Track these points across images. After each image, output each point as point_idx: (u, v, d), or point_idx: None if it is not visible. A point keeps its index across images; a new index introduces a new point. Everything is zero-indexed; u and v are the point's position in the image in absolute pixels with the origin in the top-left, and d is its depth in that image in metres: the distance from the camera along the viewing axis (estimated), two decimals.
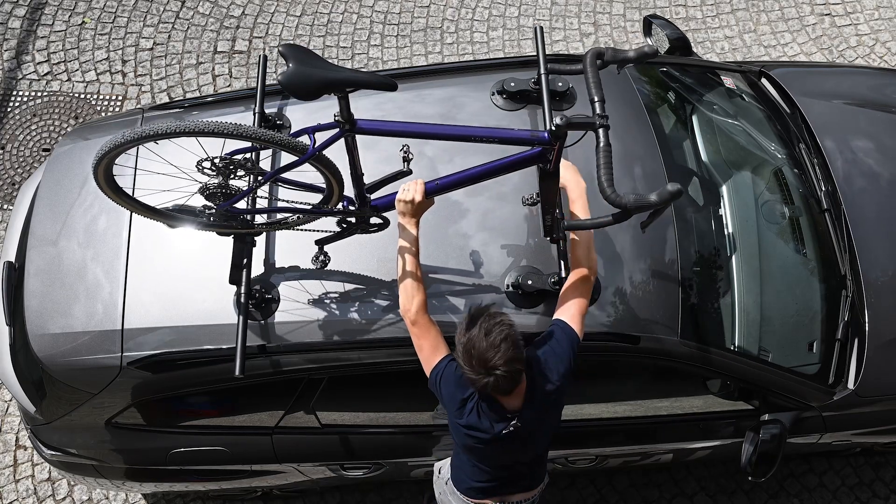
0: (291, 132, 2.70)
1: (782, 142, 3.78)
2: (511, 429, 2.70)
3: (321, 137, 2.54)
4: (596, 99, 2.52)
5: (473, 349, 2.52)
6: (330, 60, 4.78)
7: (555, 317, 2.82)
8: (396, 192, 2.80)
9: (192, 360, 3.02)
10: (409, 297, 2.76)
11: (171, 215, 2.78)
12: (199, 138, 2.77)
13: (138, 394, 3.11)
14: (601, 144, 2.43)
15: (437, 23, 5.37)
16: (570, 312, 2.80)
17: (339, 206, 2.80)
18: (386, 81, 2.46)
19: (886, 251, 3.62)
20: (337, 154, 2.68)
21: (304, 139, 2.55)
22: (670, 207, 3.24)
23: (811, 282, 3.51)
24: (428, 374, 2.80)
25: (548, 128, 2.70)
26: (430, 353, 2.78)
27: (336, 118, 2.51)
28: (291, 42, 2.84)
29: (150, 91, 5.13)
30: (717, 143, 3.63)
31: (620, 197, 2.39)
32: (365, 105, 3.28)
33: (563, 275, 2.92)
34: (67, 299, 3.09)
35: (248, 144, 2.75)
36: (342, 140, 2.61)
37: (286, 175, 2.79)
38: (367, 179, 2.83)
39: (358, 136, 2.62)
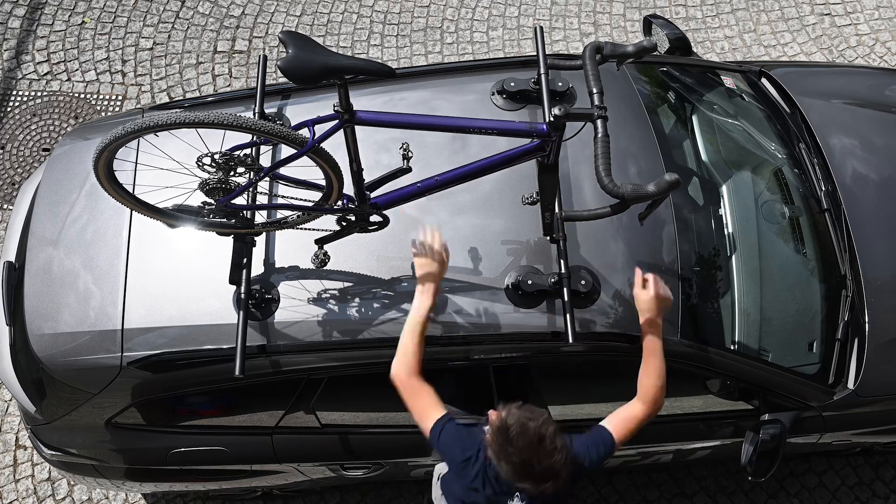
0: (291, 126, 2.71)
1: (782, 142, 3.78)
2: None
3: (321, 130, 2.55)
4: (594, 91, 2.53)
5: (534, 462, 2.37)
6: None
7: (605, 423, 2.71)
8: (396, 190, 2.80)
9: (192, 360, 3.02)
10: (402, 360, 2.70)
11: (172, 214, 2.78)
12: (199, 132, 2.78)
13: (138, 394, 3.11)
14: (599, 135, 2.44)
15: (437, 23, 5.37)
16: (620, 429, 2.69)
17: (339, 203, 2.80)
18: (384, 69, 2.47)
19: (886, 251, 3.62)
20: (337, 153, 2.68)
21: (304, 132, 2.55)
22: (670, 208, 3.24)
23: (811, 282, 3.51)
24: (425, 432, 2.69)
25: (547, 119, 2.71)
26: (422, 413, 2.68)
27: (335, 108, 2.51)
28: (291, 30, 2.85)
29: (150, 91, 5.13)
30: (717, 143, 3.63)
31: (618, 187, 2.39)
32: (364, 106, 3.28)
33: (563, 272, 2.92)
34: (67, 299, 3.09)
35: (248, 140, 2.75)
36: (342, 138, 2.61)
37: (286, 173, 2.79)
38: (367, 178, 2.83)
39: (358, 137, 2.62)
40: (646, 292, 2.76)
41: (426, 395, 2.69)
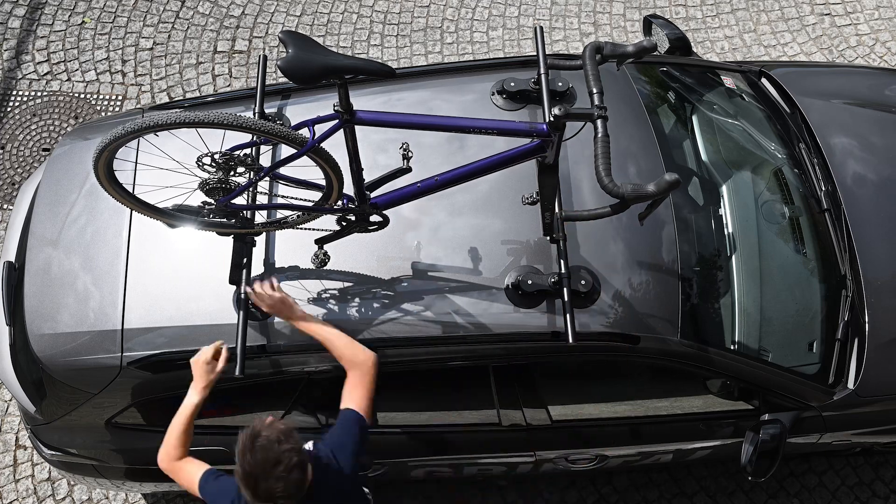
0: (291, 126, 2.70)
1: (782, 142, 3.78)
2: None
3: (321, 129, 2.55)
4: (594, 91, 2.53)
5: (259, 479, 2.42)
6: None
7: (342, 406, 2.78)
8: (396, 190, 2.80)
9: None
10: (165, 451, 2.82)
11: (172, 214, 2.78)
12: (199, 132, 2.78)
13: (138, 394, 3.11)
14: (599, 135, 2.44)
15: (437, 23, 5.37)
16: (355, 398, 2.78)
17: (339, 203, 2.80)
18: (384, 68, 2.47)
19: (886, 251, 3.62)
20: (336, 152, 2.69)
21: (304, 132, 2.55)
22: (670, 208, 3.24)
23: (811, 282, 3.51)
24: (198, 495, 2.80)
25: (547, 119, 2.71)
26: (189, 483, 2.79)
27: (336, 108, 2.51)
28: (291, 30, 2.85)
29: (150, 91, 5.13)
30: (717, 143, 3.63)
31: (618, 187, 2.39)
32: (364, 105, 3.28)
33: (563, 272, 2.92)
34: (67, 299, 3.09)
35: (248, 140, 2.75)
36: (342, 138, 2.61)
37: (286, 173, 2.79)
38: (367, 177, 2.83)
39: (359, 137, 2.62)
40: (271, 309, 2.82)
41: (187, 466, 2.81)
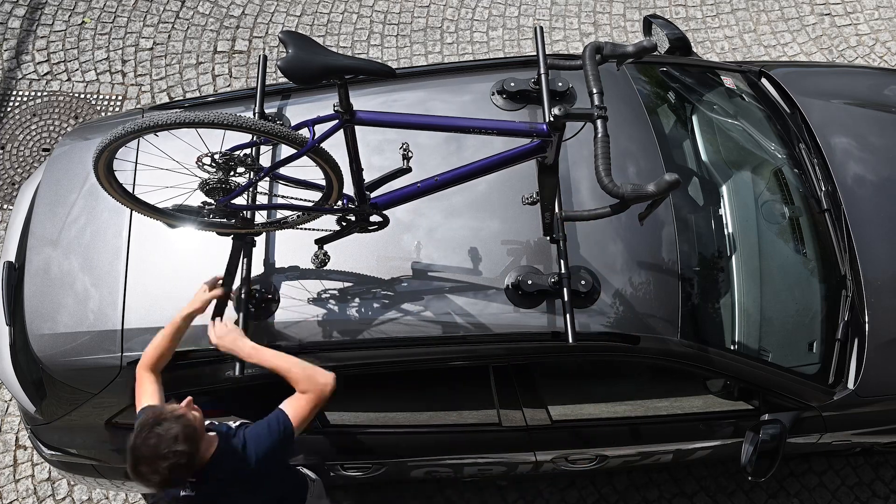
0: (291, 126, 2.70)
1: (782, 142, 3.78)
2: (186, 494, 2.71)
3: (321, 130, 2.55)
4: (594, 91, 2.52)
5: (139, 462, 2.51)
6: None
7: (281, 406, 2.80)
8: (396, 190, 2.80)
9: (192, 360, 3.02)
10: (145, 355, 2.86)
11: (172, 214, 2.78)
12: (199, 132, 2.78)
13: None
14: (599, 135, 2.44)
15: (437, 23, 5.37)
16: (295, 408, 2.78)
17: (339, 203, 2.80)
18: (384, 68, 2.47)
19: (886, 251, 3.62)
20: (336, 152, 2.69)
21: (304, 132, 2.55)
22: (670, 208, 3.24)
23: (811, 282, 3.51)
24: None
25: (547, 119, 2.71)
26: (136, 399, 2.85)
27: (335, 108, 2.51)
28: (291, 30, 2.85)
29: (150, 91, 5.13)
30: (717, 143, 3.63)
31: (618, 187, 2.39)
32: (364, 106, 3.28)
33: (563, 272, 2.92)
34: (67, 299, 3.09)
35: (248, 140, 2.75)
36: (342, 138, 2.61)
37: (286, 173, 2.79)
38: (367, 177, 2.83)
39: (358, 137, 2.62)
40: (220, 341, 2.84)
41: (146, 385, 2.84)
